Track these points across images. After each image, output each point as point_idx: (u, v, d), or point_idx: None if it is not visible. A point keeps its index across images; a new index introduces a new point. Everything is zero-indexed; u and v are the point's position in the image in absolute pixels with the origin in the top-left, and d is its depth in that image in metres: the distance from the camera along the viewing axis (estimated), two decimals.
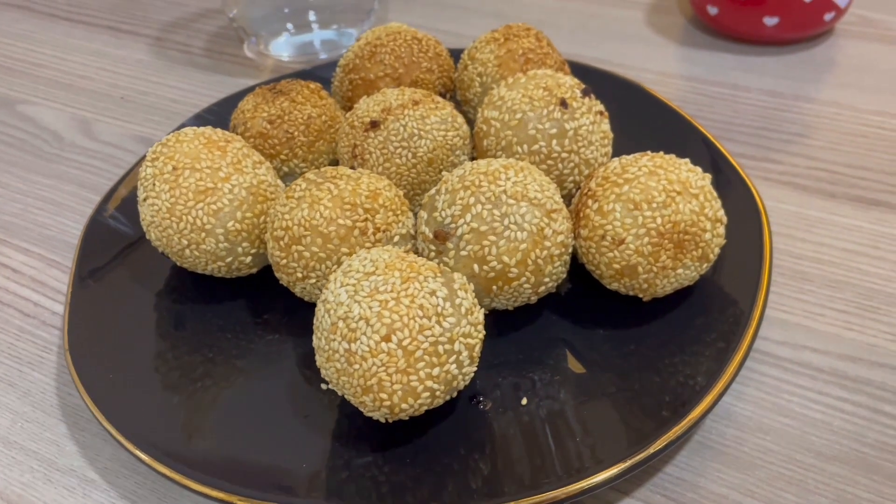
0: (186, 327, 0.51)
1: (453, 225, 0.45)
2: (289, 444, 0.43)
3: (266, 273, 0.51)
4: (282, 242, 0.46)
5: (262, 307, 0.52)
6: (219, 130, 0.51)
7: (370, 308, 0.39)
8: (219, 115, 0.66)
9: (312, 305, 0.48)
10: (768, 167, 0.62)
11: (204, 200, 0.48)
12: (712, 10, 0.75)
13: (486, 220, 0.44)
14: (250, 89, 0.68)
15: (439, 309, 0.40)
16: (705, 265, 0.46)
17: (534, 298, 0.47)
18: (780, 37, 0.74)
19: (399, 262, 0.41)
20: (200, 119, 0.66)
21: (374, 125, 0.52)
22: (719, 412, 0.45)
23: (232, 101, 0.67)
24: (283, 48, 0.83)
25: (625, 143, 0.56)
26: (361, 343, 0.39)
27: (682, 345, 0.46)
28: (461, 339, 0.40)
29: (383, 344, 0.39)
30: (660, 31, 0.81)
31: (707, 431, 0.44)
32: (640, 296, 0.47)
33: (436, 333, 0.39)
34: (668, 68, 0.75)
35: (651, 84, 0.72)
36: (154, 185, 0.48)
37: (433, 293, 0.40)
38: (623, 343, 0.47)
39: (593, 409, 0.43)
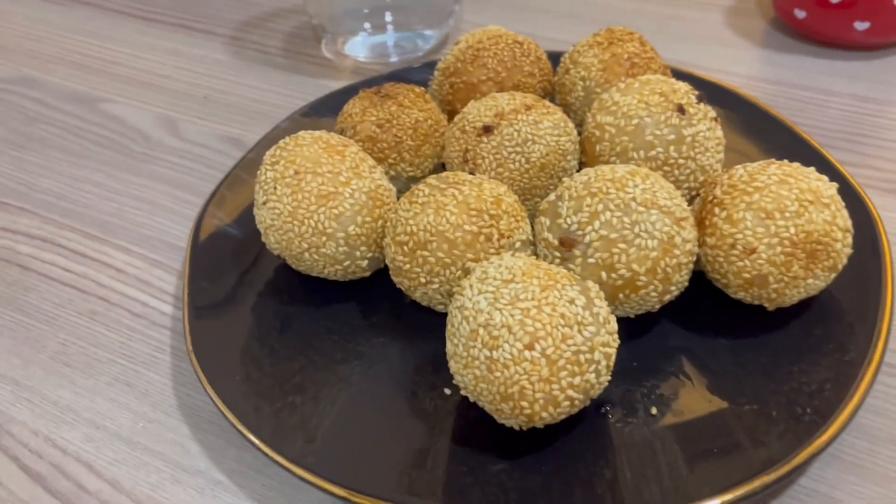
0: (295, 329, 0.51)
1: (580, 232, 0.45)
2: (413, 447, 0.43)
3: (372, 276, 0.51)
4: (406, 247, 0.46)
5: (371, 309, 0.52)
6: (333, 134, 0.51)
7: (512, 316, 0.39)
8: (313, 117, 0.66)
9: (419, 308, 0.49)
10: (868, 174, 0.62)
11: (326, 205, 0.48)
12: (800, 14, 0.74)
13: (616, 228, 0.44)
14: (345, 92, 0.69)
15: (579, 318, 0.40)
16: (833, 275, 0.46)
17: (657, 307, 0.46)
18: (870, 41, 0.73)
19: (535, 270, 0.41)
20: (296, 122, 0.66)
21: (488, 130, 0.52)
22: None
23: (325, 103, 0.67)
24: (359, 48, 0.83)
25: (727, 151, 0.56)
26: (504, 350, 0.39)
27: (810, 355, 0.46)
28: (600, 348, 0.40)
29: (526, 352, 0.39)
30: (741, 34, 0.81)
31: (837, 443, 0.44)
32: (766, 305, 0.46)
33: (577, 342, 0.39)
34: (752, 72, 0.75)
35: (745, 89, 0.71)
36: (276, 188, 0.48)
37: (572, 301, 0.40)
38: (746, 353, 0.46)
39: (722, 422, 0.43)
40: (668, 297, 0.46)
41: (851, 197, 0.54)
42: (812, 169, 0.47)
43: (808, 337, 0.47)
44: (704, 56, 0.77)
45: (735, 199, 0.45)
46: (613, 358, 0.41)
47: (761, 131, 0.62)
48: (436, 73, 0.62)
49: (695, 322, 0.49)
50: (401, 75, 0.71)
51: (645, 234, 0.44)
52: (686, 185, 0.51)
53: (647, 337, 0.48)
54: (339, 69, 0.81)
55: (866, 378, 0.43)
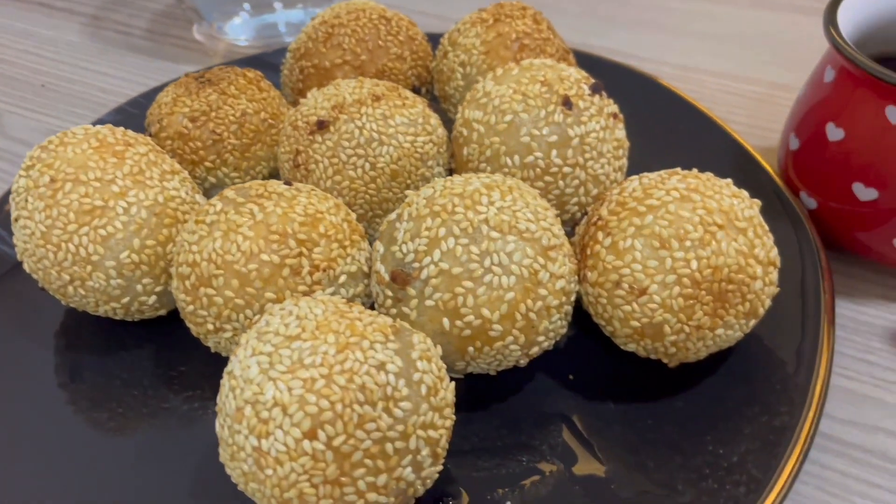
0: (85, 380, 0.39)
1: (417, 265, 0.33)
2: None
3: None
4: (187, 283, 0.34)
5: (175, 357, 0.40)
6: (119, 130, 0.40)
7: (290, 390, 0.27)
8: (145, 108, 0.54)
9: None
10: None
11: (90, 223, 0.36)
12: None
13: (461, 260, 0.32)
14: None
15: (389, 390, 0.28)
16: (752, 321, 0.35)
17: (523, 361, 0.35)
18: None
19: (336, 321, 0.29)
20: (122, 113, 0.54)
21: (322, 126, 0.40)
22: None
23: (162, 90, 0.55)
24: (240, 31, 0.70)
25: (642, 155, 0.45)
26: (276, 440, 0.27)
27: (721, 426, 0.35)
28: (420, 431, 0.29)
29: (306, 442, 0.27)
30: (680, 18, 0.70)
31: None
32: (664, 360, 0.35)
33: (382, 427, 0.28)
34: (689, 61, 0.64)
35: (672, 80, 0.60)
36: (27, 201, 0.37)
37: (381, 367, 0.28)
38: (641, 421, 0.36)
39: None
40: (535, 350, 0.35)
41: (789, 215, 0.43)
42: (728, 181, 0.36)
43: (721, 400, 0.37)
44: (638, 43, 0.66)
45: (622, 223, 0.34)
46: (444, 441, 0.30)
47: (685, 133, 0.51)
48: (287, 55, 0.50)
49: (578, 380, 0.38)
50: (262, 59, 0.59)
51: (498, 269, 0.32)
52: (574, 199, 0.40)
53: (512, 400, 0.37)
54: (209, 54, 0.69)
55: (791, 460, 0.33)
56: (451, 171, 0.43)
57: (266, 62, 0.58)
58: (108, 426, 0.38)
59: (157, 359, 0.41)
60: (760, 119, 0.57)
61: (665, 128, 0.51)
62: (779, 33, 0.67)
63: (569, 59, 0.48)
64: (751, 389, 0.37)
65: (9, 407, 0.38)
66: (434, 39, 0.52)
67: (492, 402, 0.37)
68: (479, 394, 0.36)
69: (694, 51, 0.65)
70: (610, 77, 0.53)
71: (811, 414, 0.34)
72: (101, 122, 0.54)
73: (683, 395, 0.36)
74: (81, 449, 0.37)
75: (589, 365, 0.38)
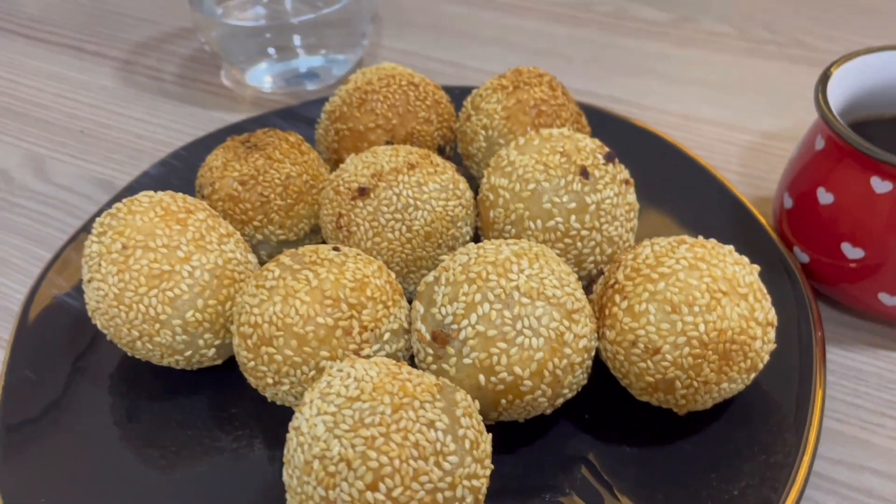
0: (142, 421, 0.43)
1: (455, 326, 0.37)
2: None
3: (233, 360, 0.44)
4: (249, 342, 0.39)
5: (228, 400, 0.44)
6: (180, 197, 0.44)
7: (353, 447, 0.32)
8: (187, 161, 0.58)
9: None
10: None
11: (159, 286, 0.40)
12: None
13: (496, 324, 0.37)
14: (226, 130, 0.61)
15: (439, 446, 0.32)
16: (753, 375, 0.39)
17: (549, 410, 0.39)
18: None
19: (390, 383, 0.34)
20: (166, 165, 0.58)
21: (363, 193, 0.44)
22: None
23: (203, 144, 0.59)
24: (263, 77, 0.74)
25: (648, 210, 0.50)
26: (342, 491, 0.31)
27: (724, 465, 0.39)
28: (465, 481, 0.33)
29: (369, 493, 0.31)
30: (678, 65, 0.74)
31: None
32: (675, 410, 0.40)
33: (434, 479, 0.32)
34: (690, 110, 0.68)
35: (673, 129, 0.65)
36: (100, 265, 0.41)
37: (431, 425, 0.33)
38: (654, 464, 0.40)
39: None
40: (560, 401, 0.39)
41: (783, 270, 0.48)
42: (730, 249, 0.40)
43: (726, 443, 0.41)
44: (641, 91, 0.70)
45: (637, 288, 0.38)
46: (484, 489, 0.34)
47: (686, 187, 0.55)
48: (322, 116, 0.54)
49: (597, 424, 0.42)
50: (297, 112, 0.63)
51: (529, 332, 0.37)
52: (591, 258, 0.44)
53: (538, 444, 0.41)
54: (237, 100, 0.73)
55: (797, 483, 0.37)
56: (476, 229, 0.48)
57: (298, 115, 0.62)
58: (160, 464, 0.41)
59: (210, 402, 0.45)
60: (755, 169, 0.61)
61: (669, 182, 0.55)
62: (772, 82, 0.71)
63: (581, 121, 0.52)
64: (750, 432, 0.41)
65: (70, 445, 0.42)
66: (450, 91, 0.56)
67: (519, 447, 0.41)
68: (507, 439, 0.40)
69: (692, 98, 0.69)
70: (617, 132, 0.58)
71: (807, 455, 0.38)
72: (147, 174, 0.58)
73: (692, 439, 0.41)
74: (137, 484, 0.40)
75: (606, 410, 0.42)
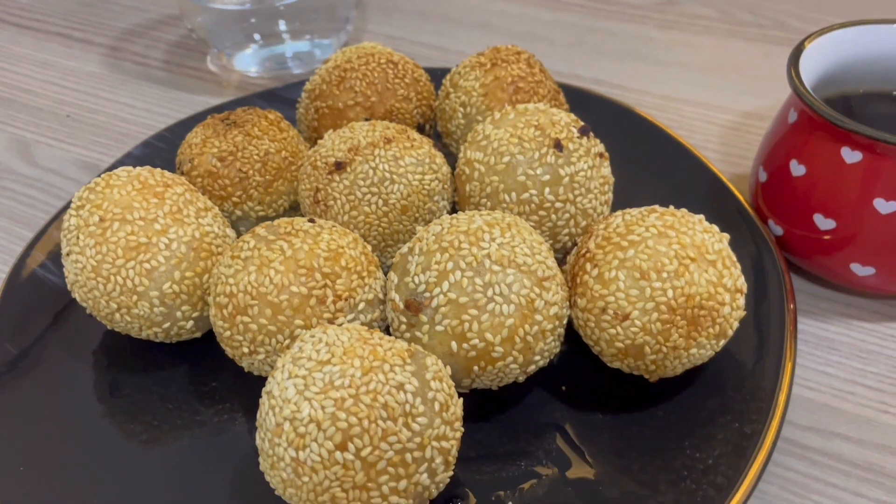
0: (123, 395, 0.44)
1: (428, 294, 0.38)
2: None
3: (212, 334, 0.44)
4: (225, 311, 0.39)
5: (208, 373, 0.45)
6: (158, 171, 0.44)
7: (323, 408, 0.32)
8: (171, 142, 0.58)
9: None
10: None
11: (135, 258, 0.40)
12: None
13: (467, 291, 0.37)
14: (209, 112, 0.61)
15: (408, 407, 0.33)
16: (722, 342, 0.40)
17: (522, 378, 0.40)
18: None
19: (360, 347, 0.34)
20: (149, 147, 0.59)
21: (340, 167, 0.45)
22: None
23: (187, 126, 0.59)
24: (249, 62, 0.75)
25: (626, 184, 0.50)
26: (311, 451, 0.32)
27: (697, 433, 0.40)
28: (434, 442, 0.33)
29: (338, 454, 0.32)
30: (661, 48, 0.75)
31: None
32: (646, 376, 0.40)
33: (402, 439, 0.32)
34: (672, 91, 0.69)
35: (654, 109, 0.66)
36: (78, 238, 0.41)
37: (401, 387, 0.33)
38: (626, 430, 0.40)
39: None
40: (532, 368, 0.39)
41: (757, 241, 0.48)
42: (700, 217, 0.40)
43: (697, 409, 0.41)
44: (623, 73, 0.71)
45: (608, 256, 0.39)
46: (454, 451, 0.35)
47: (665, 163, 0.55)
48: (302, 95, 0.54)
49: (570, 392, 0.42)
50: (279, 94, 0.63)
51: (500, 298, 0.37)
52: (566, 230, 0.45)
53: (512, 412, 0.42)
54: (223, 85, 0.73)
55: (756, 462, 0.38)
56: (454, 204, 0.48)
57: (280, 96, 0.63)
58: (142, 437, 0.42)
59: (190, 375, 0.45)
60: (734, 147, 0.62)
61: (647, 158, 0.55)
62: (752, 63, 0.72)
63: (559, 98, 0.53)
64: (723, 400, 0.41)
65: (51, 418, 0.42)
66: (433, 73, 0.57)
67: (494, 414, 0.41)
68: (482, 406, 0.41)
69: (674, 80, 0.70)
70: (596, 110, 0.58)
71: (775, 422, 0.39)
72: (130, 155, 0.58)
73: (663, 406, 0.41)
74: (119, 458, 0.41)
75: (580, 379, 0.43)
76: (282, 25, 0.74)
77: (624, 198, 0.51)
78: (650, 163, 0.55)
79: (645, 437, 0.40)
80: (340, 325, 0.39)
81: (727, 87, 0.68)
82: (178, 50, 0.78)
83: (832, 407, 0.43)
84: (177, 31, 0.81)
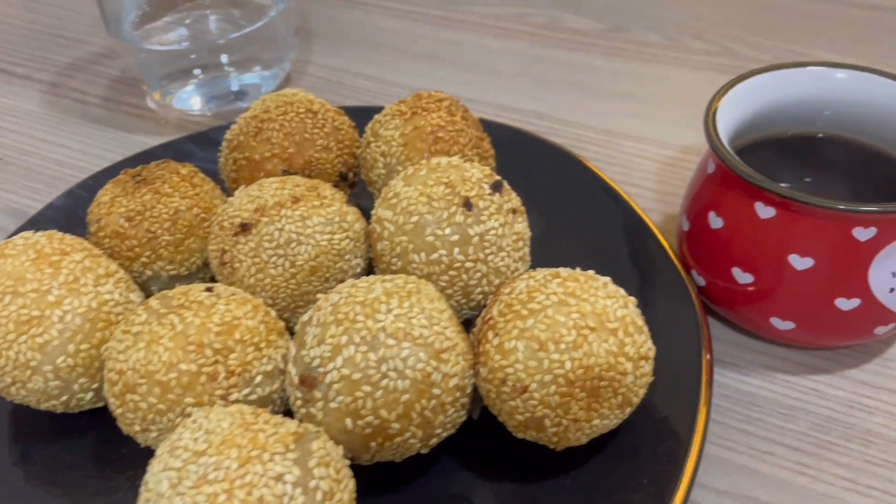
0: (36, 463, 0.43)
1: (322, 369, 0.37)
2: None
3: None
4: (115, 388, 0.38)
5: (118, 440, 0.44)
6: (57, 237, 0.43)
7: None
8: (94, 190, 0.56)
9: None
10: None
11: (27, 332, 0.39)
12: None
13: (360, 367, 0.36)
14: (136, 158, 0.60)
15: (286, 500, 0.32)
16: (628, 410, 0.39)
17: (424, 450, 0.39)
18: None
19: (240, 435, 0.33)
20: (71, 196, 0.58)
21: (245, 228, 0.44)
22: None
23: (111, 172, 0.58)
24: (190, 99, 0.74)
25: (551, 232, 0.49)
26: None
27: (612, 499, 0.39)
28: None
29: None
30: (605, 78, 0.73)
31: None
32: (551, 447, 0.39)
33: None
34: (612, 125, 0.67)
35: (593, 145, 0.65)
36: None
37: (279, 478, 0.32)
38: (538, 500, 0.39)
39: None
40: (434, 441, 0.38)
41: (677, 288, 0.47)
42: (606, 281, 0.39)
43: (612, 472, 0.40)
44: (567, 105, 0.70)
45: (508, 325, 0.38)
46: None
47: (596, 208, 0.54)
48: (223, 144, 0.53)
49: (478, 461, 0.41)
50: (209, 136, 0.62)
51: (394, 374, 0.36)
52: (478, 289, 0.44)
53: (419, 482, 0.41)
54: (161, 123, 0.72)
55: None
56: (369, 261, 0.47)
57: (210, 139, 0.61)
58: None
59: (99, 443, 0.44)
60: (670, 185, 0.60)
61: (576, 202, 0.54)
62: (697, 93, 0.70)
63: (482, 145, 0.52)
64: (637, 463, 0.40)
65: None
66: (367, 113, 0.55)
67: (400, 485, 0.40)
68: (387, 478, 0.40)
69: (617, 112, 0.69)
70: (527, 151, 0.58)
71: (682, 488, 0.38)
72: (52, 206, 0.57)
73: (573, 474, 0.40)
74: None
75: (488, 447, 0.42)
76: (224, 59, 0.73)
77: (549, 245, 0.50)
78: (579, 207, 0.54)
79: None
80: (235, 400, 0.38)
81: (670, 118, 0.67)
82: (118, 85, 0.77)
83: (749, 468, 0.42)
84: (117, 65, 0.80)
